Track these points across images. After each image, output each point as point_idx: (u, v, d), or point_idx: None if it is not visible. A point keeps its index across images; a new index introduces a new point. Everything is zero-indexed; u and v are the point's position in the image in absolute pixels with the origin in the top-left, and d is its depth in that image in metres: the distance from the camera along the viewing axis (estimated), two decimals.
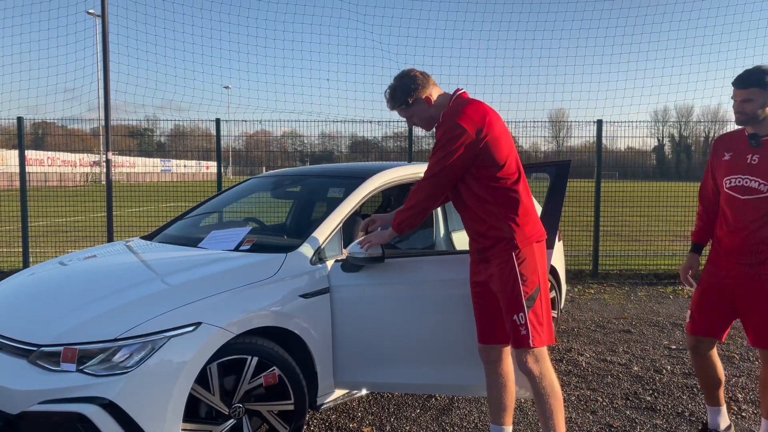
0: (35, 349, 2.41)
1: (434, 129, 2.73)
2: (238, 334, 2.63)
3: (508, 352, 2.80)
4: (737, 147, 2.82)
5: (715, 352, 3.03)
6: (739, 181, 2.76)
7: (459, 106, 2.59)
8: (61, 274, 3.26)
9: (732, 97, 2.76)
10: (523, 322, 2.56)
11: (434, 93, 2.68)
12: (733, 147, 2.84)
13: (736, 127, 2.86)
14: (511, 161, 2.60)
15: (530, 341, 2.56)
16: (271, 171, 5.05)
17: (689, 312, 3.03)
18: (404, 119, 2.78)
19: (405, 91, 2.63)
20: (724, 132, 3.08)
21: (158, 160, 19.65)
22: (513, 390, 2.84)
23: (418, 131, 9.39)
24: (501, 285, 2.60)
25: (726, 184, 2.82)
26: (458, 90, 2.70)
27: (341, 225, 3.26)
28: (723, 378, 3.06)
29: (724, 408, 3.12)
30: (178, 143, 11.76)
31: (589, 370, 4.43)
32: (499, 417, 2.83)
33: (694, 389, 4.01)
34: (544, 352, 2.63)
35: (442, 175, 2.57)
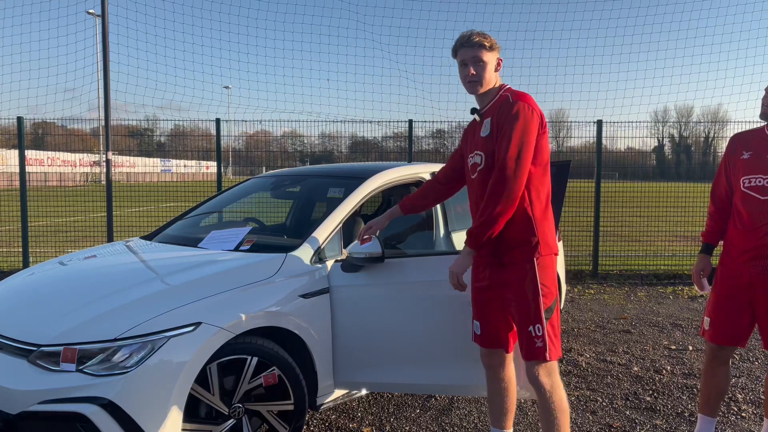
0: (35, 348, 2.41)
1: (479, 101, 2.64)
2: (238, 334, 2.63)
3: (510, 356, 2.74)
4: (757, 146, 2.77)
5: (729, 361, 2.96)
6: (760, 181, 2.70)
7: (522, 94, 2.53)
8: (60, 274, 3.26)
9: (766, 89, 2.70)
10: (540, 334, 2.45)
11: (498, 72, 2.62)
12: (753, 146, 2.78)
13: (737, 127, 2.84)
14: (548, 165, 2.54)
15: (546, 354, 2.46)
16: (271, 171, 5.05)
17: (707, 319, 2.91)
18: (466, 63, 2.56)
19: (493, 41, 2.55)
20: (738, 131, 3.02)
21: (158, 160, 19.65)
22: (515, 394, 2.79)
23: (418, 131, 9.39)
24: (518, 294, 2.48)
25: (744, 183, 2.76)
26: (505, 84, 2.64)
27: (341, 225, 3.26)
28: (728, 389, 2.98)
29: (716, 421, 3.06)
30: (178, 143, 11.77)
31: (589, 370, 4.43)
32: (501, 421, 2.79)
33: (694, 389, 4.01)
34: (555, 364, 2.55)
35: (525, 160, 2.41)
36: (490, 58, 2.54)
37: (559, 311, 2.58)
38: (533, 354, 2.49)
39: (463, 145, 2.80)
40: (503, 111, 2.48)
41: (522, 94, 2.53)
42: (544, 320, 2.46)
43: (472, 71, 2.54)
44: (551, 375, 2.52)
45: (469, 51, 2.54)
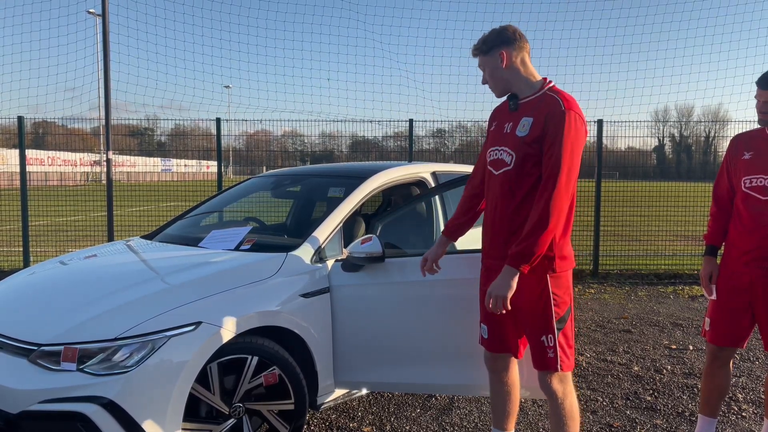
0: (36, 348, 2.42)
1: (511, 104, 2.48)
2: (239, 333, 2.63)
3: (515, 361, 2.71)
4: (758, 146, 2.76)
5: (731, 362, 2.96)
6: (761, 181, 2.70)
7: (571, 100, 2.35)
8: (61, 274, 3.26)
9: (756, 97, 2.71)
10: (551, 345, 2.41)
11: (520, 60, 2.43)
12: (754, 146, 2.77)
13: (738, 127, 2.83)
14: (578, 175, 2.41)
15: (558, 365, 2.42)
16: (272, 171, 5.05)
17: (707, 320, 2.92)
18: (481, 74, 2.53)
19: (490, 40, 2.43)
20: (739, 131, 3.02)
21: (159, 159, 19.66)
22: (518, 397, 2.76)
23: (419, 131, 9.39)
24: (529, 303, 2.42)
25: (745, 183, 2.75)
26: (547, 79, 2.47)
27: (341, 224, 3.26)
28: (728, 389, 2.99)
29: (716, 421, 3.06)
30: (178, 143, 11.78)
31: (589, 370, 4.43)
32: (503, 422, 2.76)
33: (695, 389, 4.01)
34: (569, 372, 2.51)
35: (575, 174, 2.32)
36: (487, 62, 2.46)
37: (573, 321, 2.52)
38: (544, 364, 2.44)
39: (489, 132, 2.63)
40: (554, 119, 2.30)
41: (571, 100, 2.36)
42: (556, 330, 2.41)
43: (482, 80, 2.51)
44: (564, 382, 2.48)
45: (479, 61, 2.52)
